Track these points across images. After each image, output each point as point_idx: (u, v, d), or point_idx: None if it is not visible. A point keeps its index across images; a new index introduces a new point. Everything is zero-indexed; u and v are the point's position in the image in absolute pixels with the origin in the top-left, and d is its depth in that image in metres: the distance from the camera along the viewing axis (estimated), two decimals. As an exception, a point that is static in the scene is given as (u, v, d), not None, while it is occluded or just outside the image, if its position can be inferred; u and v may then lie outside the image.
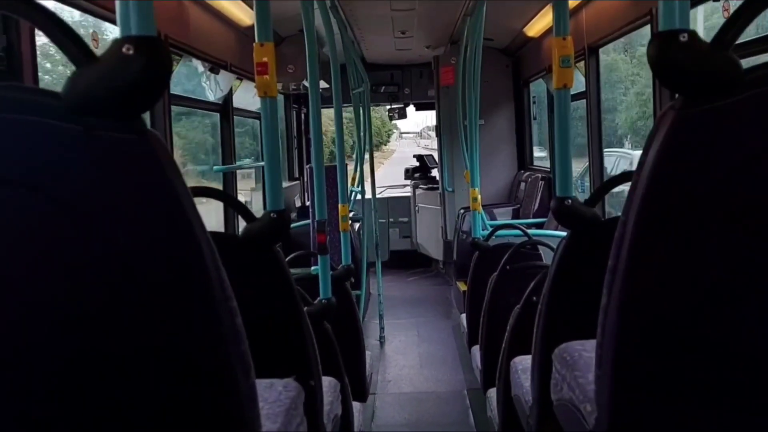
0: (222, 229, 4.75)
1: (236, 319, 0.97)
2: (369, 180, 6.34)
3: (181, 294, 0.92)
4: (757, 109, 1.00)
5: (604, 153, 4.73)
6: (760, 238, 1.03)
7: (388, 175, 11.49)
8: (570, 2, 4.34)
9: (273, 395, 1.53)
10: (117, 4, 0.88)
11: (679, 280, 1.06)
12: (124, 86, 0.86)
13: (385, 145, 47.61)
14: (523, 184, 7.01)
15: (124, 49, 0.86)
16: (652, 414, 1.13)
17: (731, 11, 1.05)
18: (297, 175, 8.09)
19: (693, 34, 1.00)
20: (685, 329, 1.08)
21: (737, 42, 1.02)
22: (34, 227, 0.89)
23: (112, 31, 3.17)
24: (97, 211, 0.89)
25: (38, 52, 2.27)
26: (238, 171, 5.12)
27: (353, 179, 6.12)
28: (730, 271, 1.04)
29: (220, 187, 4.70)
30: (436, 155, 8.24)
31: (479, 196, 4.80)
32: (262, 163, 2.09)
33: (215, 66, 4.51)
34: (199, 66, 4.51)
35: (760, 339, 1.06)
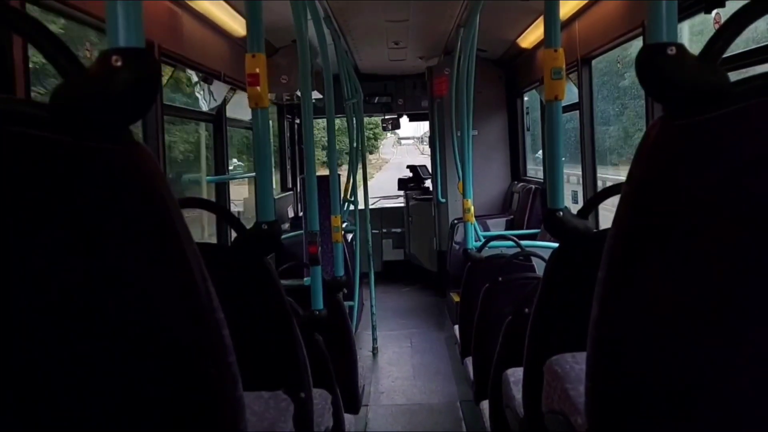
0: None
1: (223, 330, 0.96)
2: (362, 190, 6.35)
3: (167, 305, 0.92)
4: (745, 122, 1.01)
5: None
6: (751, 249, 1.02)
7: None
8: (563, 14, 4.38)
9: (261, 407, 1.52)
10: (106, 15, 0.88)
11: (670, 292, 1.06)
12: (113, 98, 0.86)
13: (371, 153, 31.33)
14: (516, 195, 7.01)
15: (112, 61, 0.86)
16: (643, 427, 1.12)
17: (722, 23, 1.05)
18: (290, 186, 8.09)
19: (681, 47, 1.00)
20: (676, 342, 1.08)
21: (725, 55, 1.03)
22: (20, 236, 0.88)
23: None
24: (82, 221, 0.88)
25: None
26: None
27: (346, 190, 6.12)
28: (721, 282, 1.04)
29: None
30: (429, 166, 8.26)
31: (472, 207, 4.80)
32: (254, 174, 2.09)
33: (208, 76, 4.51)
34: (193, 76, 4.52)
35: (752, 351, 1.06)
